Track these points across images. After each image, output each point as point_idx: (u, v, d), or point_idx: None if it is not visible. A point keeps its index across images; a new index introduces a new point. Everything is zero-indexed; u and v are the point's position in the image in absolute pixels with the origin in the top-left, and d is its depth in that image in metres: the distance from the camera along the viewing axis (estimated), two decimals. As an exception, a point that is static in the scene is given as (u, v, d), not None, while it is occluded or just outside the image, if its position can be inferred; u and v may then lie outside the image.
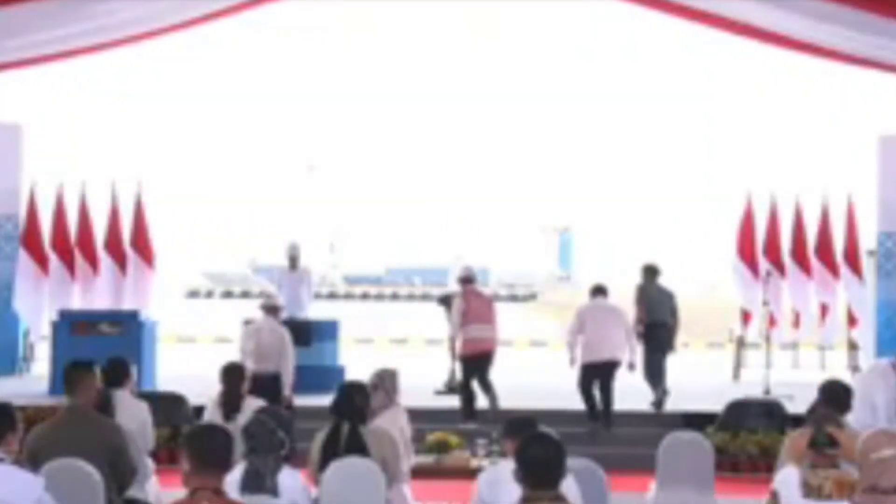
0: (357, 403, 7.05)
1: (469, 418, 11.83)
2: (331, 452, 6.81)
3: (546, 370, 15.02)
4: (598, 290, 12.04)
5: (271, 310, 11.31)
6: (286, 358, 10.89)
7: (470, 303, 12.23)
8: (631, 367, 11.93)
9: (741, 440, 11.06)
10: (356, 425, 6.93)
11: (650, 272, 12.75)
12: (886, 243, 14.78)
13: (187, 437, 4.49)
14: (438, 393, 13.21)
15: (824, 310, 14.71)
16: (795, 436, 6.37)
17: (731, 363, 15.30)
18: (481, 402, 12.00)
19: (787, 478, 5.49)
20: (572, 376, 12.69)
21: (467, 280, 12.47)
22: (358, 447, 6.82)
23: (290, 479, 5.91)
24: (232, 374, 8.47)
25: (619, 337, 11.75)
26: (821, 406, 6.77)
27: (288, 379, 10.85)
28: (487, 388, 12.05)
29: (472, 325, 12.17)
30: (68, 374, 6.62)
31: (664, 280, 12.77)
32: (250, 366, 10.44)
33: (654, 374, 12.44)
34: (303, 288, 14.16)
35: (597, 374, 11.72)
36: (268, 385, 10.43)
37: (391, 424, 7.65)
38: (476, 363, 12.10)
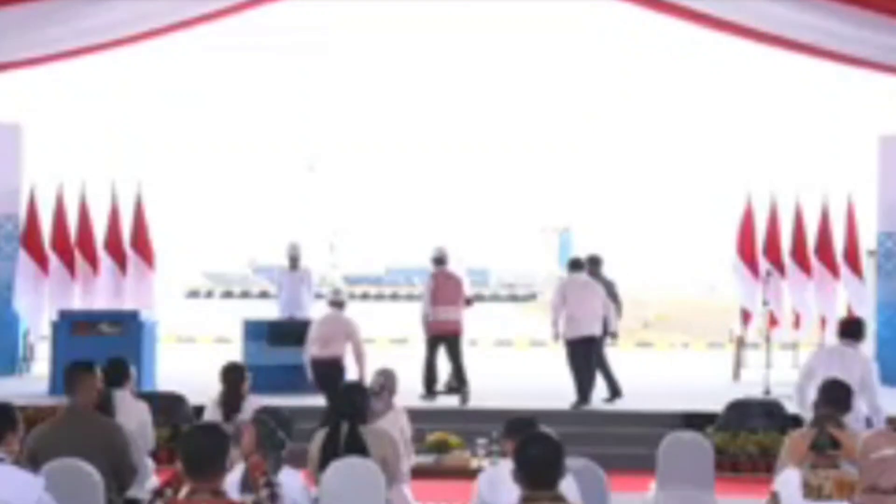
0: (357, 403, 7.06)
1: (430, 396, 12.44)
2: (331, 452, 6.81)
3: (546, 370, 15.00)
4: (576, 265, 12.52)
5: (336, 304, 11.99)
6: (357, 345, 11.61)
7: (439, 283, 12.55)
8: (613, 335, 12.60)
9: (741, 440, 11.06)
10: (356, 425, 6.93)
11: (594, 263, 13.08)
12: (886, 243, 14.79)
13: (180, 439, 4.49)
14: (438, 393, 13.21)
15: (824, 310, 14.70)
16: (796, 437, 6.37)
17: (731, 363, 15.30)
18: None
19: (788, 479, 5.48)
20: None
21: (439, 261, 12.84)
22: (358, 447, 6.82)
23: (290, 479, 5.91)
24: (232, 374, 8.46)
25: (598, 311, 12.20)
26: (821, 406, 6.77)
27: (363, 363, 11.46)
28: (459, 370, 12.65)
29: (439, 307, 12.63)
30: (69, 374, 6.62)
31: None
32: (315, 351, 11.67)
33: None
34: (303, 288, 14.16)
35: (579, 349, 12.20)
36: (329, 367, 11.51)
37: (391, 425, 7.66)
38: (437, 343, 12.67)
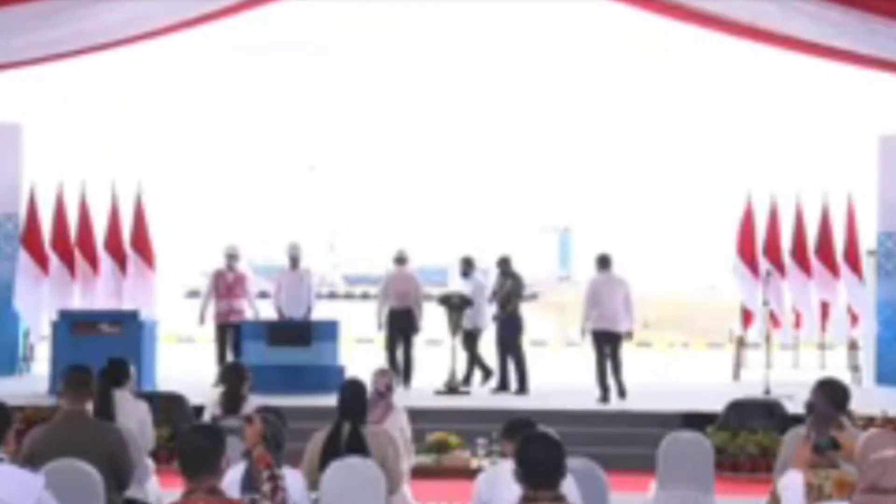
0: (363, 403, 7.05)
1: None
2: (331, 452, 6.80)
3: (546, 370, 15.00)
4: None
5: (400, 261, 14.07)
6: (418, 297, 13.95)
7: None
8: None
9: (741, 440, 11.05)
10: (357, 425, 6.91)
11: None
12: (886, 243, 14.79)
13: (178, 439, 4.49)
14: (438, 393, 13.22)
15: (825, 310, 14.70)
16: (795, 441, 6.34)
17: (731, 363, 15.30)
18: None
19: (792, 482, 5.41)
20: (572, 376, 12.68)
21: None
22: (358, 447, 6.80)
23: (290, 478, 5.90)
24: (232, 373, 8.44)
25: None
26: (820, 407, 6.74)
27: (419, 312, 13.90)
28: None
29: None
30: (65, 378, 6.56)
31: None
32: (393, 304, 13.86)
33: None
34: (303, 288, 14.16)
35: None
36: (404, 317, 13.81)
37: (391, 425, 7.65)
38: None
